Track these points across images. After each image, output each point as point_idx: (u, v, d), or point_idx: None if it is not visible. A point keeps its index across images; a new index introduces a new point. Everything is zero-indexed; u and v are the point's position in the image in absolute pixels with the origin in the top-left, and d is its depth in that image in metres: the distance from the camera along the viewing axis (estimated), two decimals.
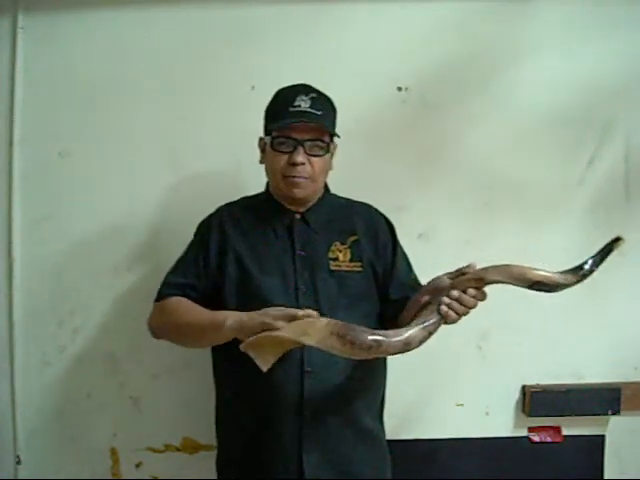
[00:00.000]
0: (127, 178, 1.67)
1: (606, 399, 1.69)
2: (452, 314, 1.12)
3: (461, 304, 1.12)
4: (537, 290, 1.12)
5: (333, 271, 1.29)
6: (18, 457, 1.68)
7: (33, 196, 1.66)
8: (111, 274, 1.68)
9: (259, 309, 1.22)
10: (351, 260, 1.31)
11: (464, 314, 1.14)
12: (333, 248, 1.31)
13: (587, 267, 1.10)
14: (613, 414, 1.69)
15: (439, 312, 1.13)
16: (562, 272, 1.11)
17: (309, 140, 1.24)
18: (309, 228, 1.32)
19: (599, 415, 1.70)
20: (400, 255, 1.38)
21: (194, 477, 1.66)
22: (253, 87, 1.66)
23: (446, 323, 1.15)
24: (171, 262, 1.62)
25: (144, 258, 1.68)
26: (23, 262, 1.67)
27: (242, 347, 1.11)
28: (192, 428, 1.68)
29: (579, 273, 1.10)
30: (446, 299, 1.12)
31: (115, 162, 1.66)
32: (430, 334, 1.14)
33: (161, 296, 1.32)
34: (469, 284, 1.13)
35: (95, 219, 1.67)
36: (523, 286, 1.12)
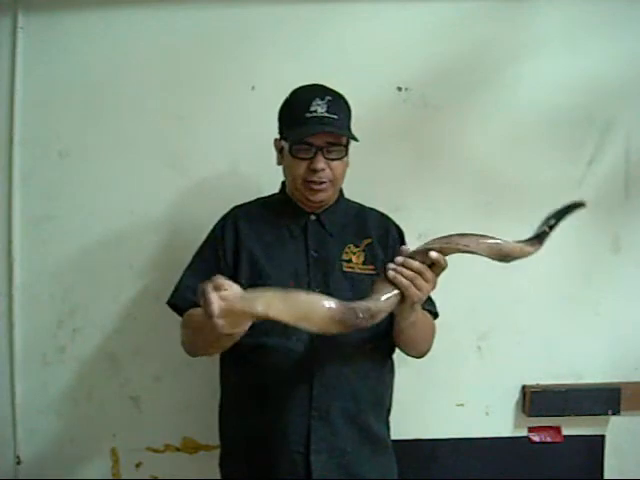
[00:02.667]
0: (127, 178, 1.67)
1: (606, 399, 1.69)
2: (401, 279, 1.05)
3: (406, 267, 1.06)
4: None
5: (346, 272, 1.29)
6: (18, 457, 1.68)
7: (33, 196, 1.66)
8: (111, 274, 1.67)
9: None
10: (364, 263, 1.31)
11: (419, 285, 1.06)
12: (347, 250, 1.31)
13: (534, 246, 1.09)
14: (613, 414, 1.69)
15: (388, 278, 1.07)
16: (518, 241, 1.09)
17: (328, 145, 1.25)
18: (324, 230, 1.33)
19: (599, 415, 1.70)
20: None
21: (194, 477, 1.66)
22: (253, 87, 1.66)
23: (405, 299, 1.08)
24: (171, 261, 1.63)
25: (144, 258, 1.68)
26: (23, 262, 1.67)
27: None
28: (192, 428, 1.68)
29: (534, 242, 1.09)
30: (391, 264, 1.07)
31: (115, 162, 1.66)
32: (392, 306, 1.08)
33: (181, 301, 1.29)
34: (414, 255, 1.08)
35: (95, 219, 1.67)
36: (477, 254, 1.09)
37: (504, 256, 1.09)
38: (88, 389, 1.69)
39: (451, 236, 1.09)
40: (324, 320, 1.00)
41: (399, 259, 1.07)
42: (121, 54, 1.66)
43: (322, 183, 1.26)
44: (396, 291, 1.07)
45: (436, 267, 1.08)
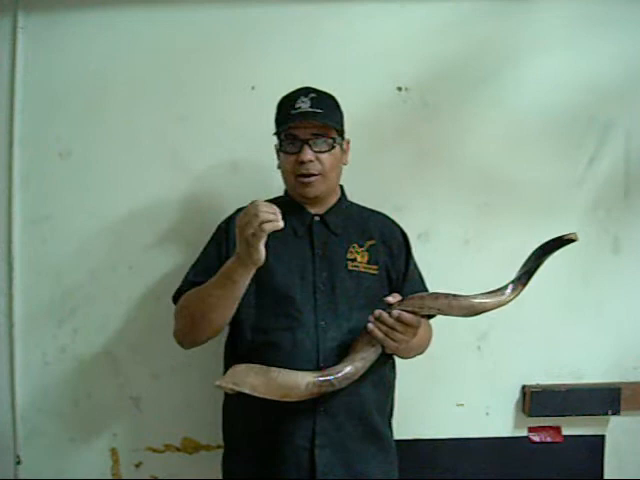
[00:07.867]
0: (127, 178, 1.67)
1: (606, 399, 1.69)
2: (377, 332, 1.17)
3: (381, 322, 1.17)
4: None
5: (351, 271, 1.31)
6: (18, 457, 1.68)
7: (33, 196, 1.66)
8: (111, 274, 1.67)
9: (277, 306, 1.26)
10: (368, 262, 1.33)
11: (394, 337, 1.17)
12: (351, 250, 1.33)
13: (509, 291, 1.22)
14: (613, 414, 1.69)
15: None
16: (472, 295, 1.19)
17: (313, 138, 1.27)
18: (328, 230, 1.34)
19: (599, 415, 1.70)
20: (413, 266, 1.40)
21: (194, 477, 1.66)
22: (253, 87, 1.66)
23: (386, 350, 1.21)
24: (171, 262, 1.63)
25: (144, 257, 1.67)
26: (23, 262, 1.67)
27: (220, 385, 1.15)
28: (192, 428, 1.68)
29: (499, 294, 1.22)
30: (371, 317, 1.18)
31: (115, 162, 1.66)
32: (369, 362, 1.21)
33: (180, 293, 1.32)
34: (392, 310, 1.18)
35: (95, 219, 1.67)
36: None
37: (478, 313, 1.19)
38: (88, 389, 1.69)
39: (423, 298, 1.18)
40: (304, 395, 1.16)
41: (376, 313, 1.17)
42: (121, 54, 1.66)
43: (312, 176, 1.28)
44: (372, 349, 1.20)
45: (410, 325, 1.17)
